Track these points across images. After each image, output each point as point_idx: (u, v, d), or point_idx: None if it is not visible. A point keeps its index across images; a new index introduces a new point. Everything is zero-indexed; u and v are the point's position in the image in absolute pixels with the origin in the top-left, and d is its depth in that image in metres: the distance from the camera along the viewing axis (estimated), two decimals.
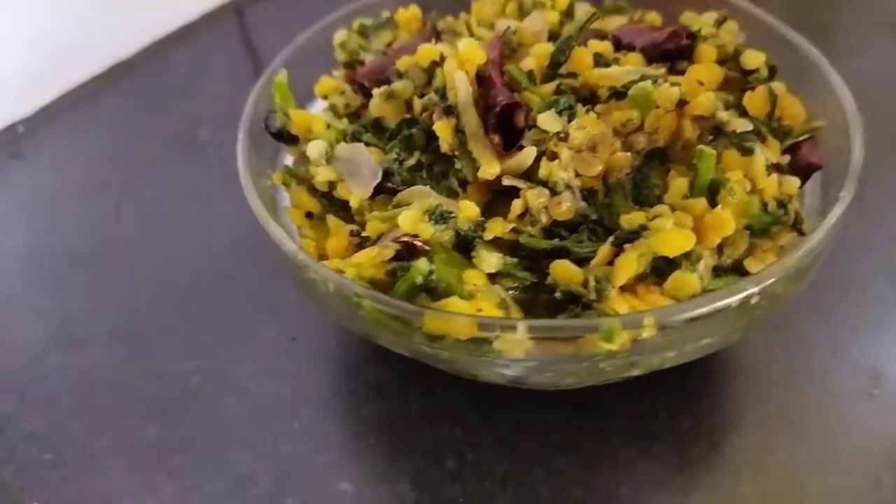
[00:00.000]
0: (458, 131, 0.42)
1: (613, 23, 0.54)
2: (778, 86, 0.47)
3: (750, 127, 0.41)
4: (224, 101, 0.79)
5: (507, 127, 0.41)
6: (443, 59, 0.45)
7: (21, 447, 0.50)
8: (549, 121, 0.40)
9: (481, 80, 0.44)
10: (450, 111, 0.42)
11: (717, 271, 0.39)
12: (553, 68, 0.45)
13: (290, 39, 0.60)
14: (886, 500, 0.43)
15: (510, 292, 0.38)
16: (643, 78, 0.41)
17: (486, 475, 0.46)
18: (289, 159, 0.51)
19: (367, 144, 0.46)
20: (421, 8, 0.58)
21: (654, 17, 0.56)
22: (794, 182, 0.43)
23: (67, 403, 0.52)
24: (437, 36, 0.56)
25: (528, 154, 0.40)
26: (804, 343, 0.51)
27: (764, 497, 0.44)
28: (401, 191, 0.42)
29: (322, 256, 0.43)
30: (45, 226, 0.67)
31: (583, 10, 0.55)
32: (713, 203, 0.38)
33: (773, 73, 0.49)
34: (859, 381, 0.49)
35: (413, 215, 0.37)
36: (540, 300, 0.39)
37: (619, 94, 0.42)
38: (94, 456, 0.49)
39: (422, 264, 0.36)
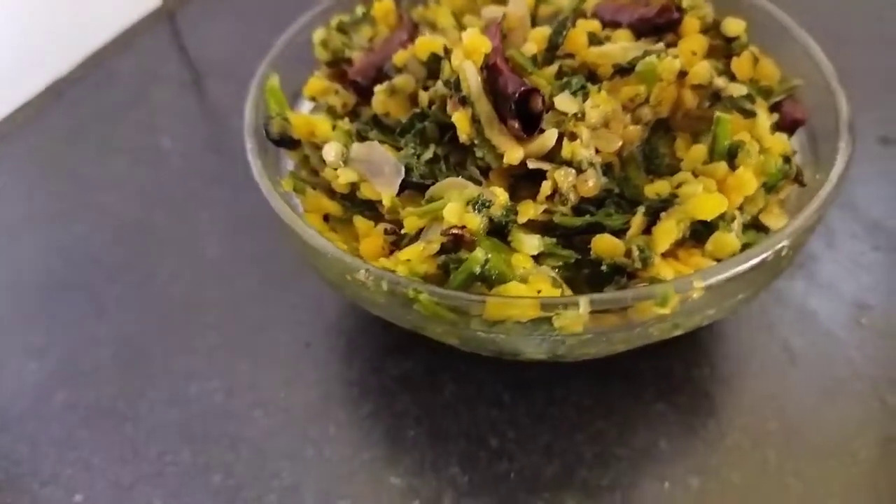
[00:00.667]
0: (474, 120, 0.43)
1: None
2: (751, 49, 0.50)
3: (745, 91, 0.44)
4: (176, 107, 0.78)
5: (524, 112, 0.42)
6: (447, 51, 0.46)
7: (45, 493, 0.48)
8: (566, 102, 0.41)
9: (487, 68, 0.45)
10: (465, 101, 0.43)
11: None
12: (551, 51, 0.46)
13: (224, 40, 0.59)
14: None
15: (555, 271, 0.40)
16: (646, 54, 0.43)
17: (530, 449, 0.48)
18: (289, 163, 0.51)
19: (373, 140, 0.47)
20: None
21: None
22: (784, 138, 0.46)
23: (85, 440, 0.51)
24: (415, 27, 0.56)
25: (550, 136, 0.42)
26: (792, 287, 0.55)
27: (786, 432, 0.48)
28: (427, 184, 0.43)
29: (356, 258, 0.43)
30: (20, 257, 0.63)
31: None
32: (732, 166, 0.40)
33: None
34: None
35: (458, 207, 0.38)
36: (581, 276, 0.40)
37: (623, 70, 0.44)
38: (126, 489, 0.48)
39: (479, 254, 0.37)
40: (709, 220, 0.38)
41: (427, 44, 0.47)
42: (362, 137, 0.47)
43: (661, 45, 0.45)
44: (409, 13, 0.58)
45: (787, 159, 0.42)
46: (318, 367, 0.54)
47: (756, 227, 0.42)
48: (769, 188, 0.42)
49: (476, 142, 0.43)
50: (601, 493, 0.45)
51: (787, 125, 0.48)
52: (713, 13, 0.49)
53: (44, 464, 0.49)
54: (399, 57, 0.48)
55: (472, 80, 0.43)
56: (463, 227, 0.38)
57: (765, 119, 0.42)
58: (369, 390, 0.52)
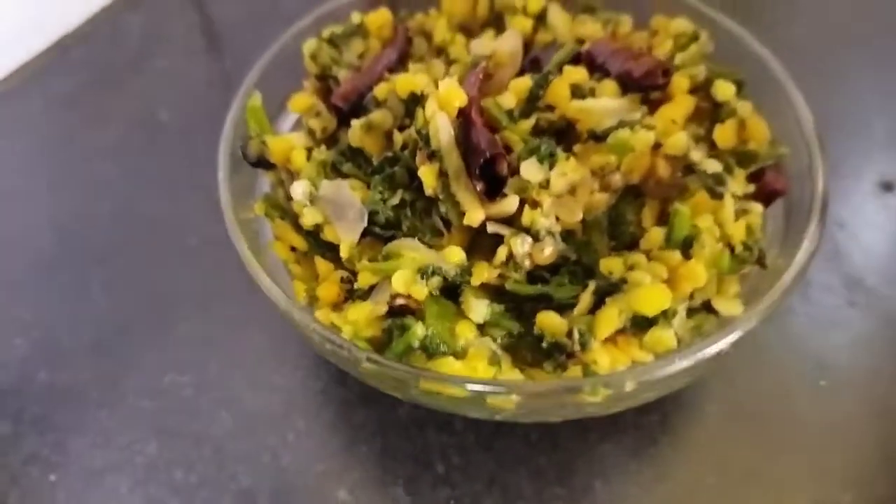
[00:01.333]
0: (441, 173, 0.43)
1: (586, 28, 0.54)
2: (744, 107, 0.49)
3: (720, 168, 0.43)
4: (180, 78, 0.78)
5: (490, 173, 0.42)
6: (423, 97, 0.45)
7: (23, 470, 0.52)
8: (531, 170, 0.41)
9: (461, 114, 0.44)
10: (433, 155, 0.43)
11: (688, 312, 0.42)
12: (531, 102, 0.46)
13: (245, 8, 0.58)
14: None
15: (499, 340, 0.41)
16: (621, 124, 0.43)
17: (473, 477, 0.50)
18: (266, 182, 0.52)
19: (347, 175, 0.47)
20: (390, 6, 0.57)
21: (626, 22, 0.56)
22: (757, 211, 0.46)
23: (63, 422, 0.54)
24: (408, 41, 0.55)
25: (511, 203, 0.42)
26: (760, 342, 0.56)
27: (723, 487, 0.50)
28: (388, 236, 0.44)
29: (313, 298, 0.44)
30: (9, 229, 0.65)
31: (557, 14, 0.55)
32: (686, 253, 0.40)
33: (739, 87, 0.51)
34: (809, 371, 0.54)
35: (406, 276, 0.39)
36: (525, 342, 0.42)
37: (597, 136, 0.44)
38: (97, 474, 0.52)
39: (418, 329, 0.38)
40: (649, 315, 0.38)
41: (407, 83, 0.46)
42: (336, 168, 0.48)
43: (637, 114, 0.44)
44: (406, 24, 0.57)
45: (748, 246, 0.42)
46: (285, 372, 0.56)
47: (707, 308, 0.43)
48: (724, 274, 0.42)
49: (441, 197, 0.43)
50: None
51: (764, 195, 0.47)
52: (706, 71, 0.48)
53: (24, 442, 0.53)
54: (380, 90, 0.48)
55: (444, 133, 0.43)
56: (409, 297, 0.39)
57: (730, 204, 0.42)
58: (331, 401, 0.55)
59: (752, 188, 0.47)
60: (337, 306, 0.43)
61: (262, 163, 0.49)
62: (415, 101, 0.46)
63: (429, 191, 0.43)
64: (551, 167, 0.42)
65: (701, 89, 0.48)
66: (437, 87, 0.44)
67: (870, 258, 0.60)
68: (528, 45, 0.55)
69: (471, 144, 0.43)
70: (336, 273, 0.44)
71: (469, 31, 0.58)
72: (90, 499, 0.51)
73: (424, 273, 0.40)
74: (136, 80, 0.76)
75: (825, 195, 0.45)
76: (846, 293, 0.58)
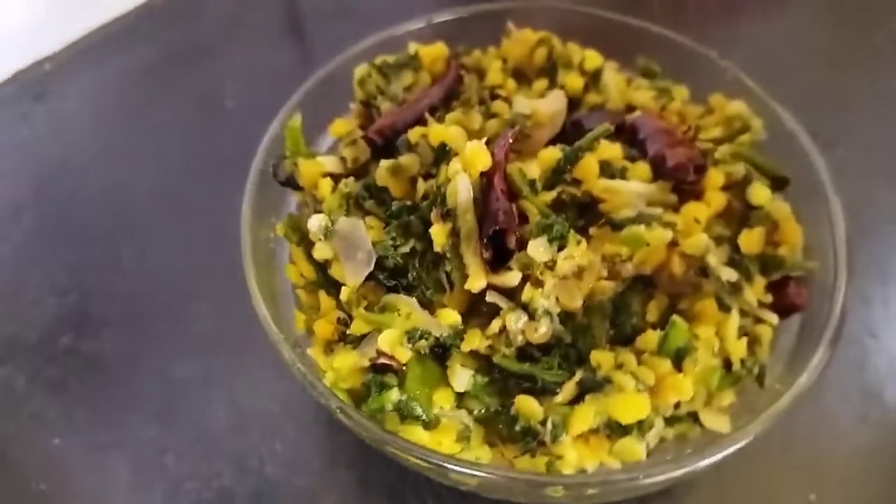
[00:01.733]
0: (454, 233, 0.43)
1: (638, 96, 0.53)
2: (781, 209, 0.47)
3: (735, 277, 0.42)
4: (253, 66, 0.80)
5: (499, 242, 0.42)
6: (451, 152, 0.45)
7: (29, 427, 0.56)
8: (538, 250, 0.41)
9: (484, 175, 0.44)
10: (448, 214, 0.43)
11: (671, 420, 0.41)
12: (557, 174, 0.45)
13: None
14: None
15: (475, 412, 0.41)
16: (639, 218, 0.42)
17: None
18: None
19: (367, 213, 0.48)
20: (448, 40, 0.57)
21: (682, 93, 0.54)
22: (771, 322, 0.44)
23: (76, 389, 0.57)
24: (459, 80, 0.55)
25: (513, 277, 0.42)
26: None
27: None
28: (391, 285, 0.44)
29: (311, 330, 0.46)
30: (60, 193, 0.69)
31: (611, 77, 0.54)
32: (678, 364, 0.39)
33: (783, 185, 0.49)
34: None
35: (393, 336, 0.40)
36: (502, 418, 0.42)
37: (614, 224, 0.43)
38: (99, 449, 0.55)
39: (393, 394, 0.39)
40: (623, 423, 0.38)
41: (439, 133, 0.46)
42: (358, 202, 0.48)
43: (658, 210, 0.43)
44: (461, 60, 0.57)
45: (746, 364, 0.41)
46: (284, 377, 0.58)
47: (694, 417, 0.42)
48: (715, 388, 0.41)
49: (448, 256, 0.43)
50: None
51: (783, 307, 0.45)
52: (745, 169, 0.46)
53: (34, 400, 0.57)
54: (413, 134, 0.48)
55: (462, 195, 0.43)
56: (392, 357, 0.39)
57: (735, 322, 0.40)
58: (323, 416, 0.56)
59: (769, 298, 0.45)
60: (330, 344, 0.44)
61: (291, 183, 0.51)
62: (444, 152, 0.46)
63: (437, 248, 0.43)
64: (560, 249, 0.41)
65: (737, 186, 0.46)
66: (467, 142, 0.44)
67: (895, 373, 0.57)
68: (576, 103, 0.54)
69: (487, 209, 0.43)
70: (335, 312, 0.44)
71: (524, 76, 0.57)
72: (85, 468, 0.54)
73: (412, 336, 0.40)
74: (210, 62, 0.79)
75: (841, 320, 0.43)
76: (861, 406, 0.56)
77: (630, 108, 0.53)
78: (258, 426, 0.55)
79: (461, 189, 0.43)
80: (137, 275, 0.64)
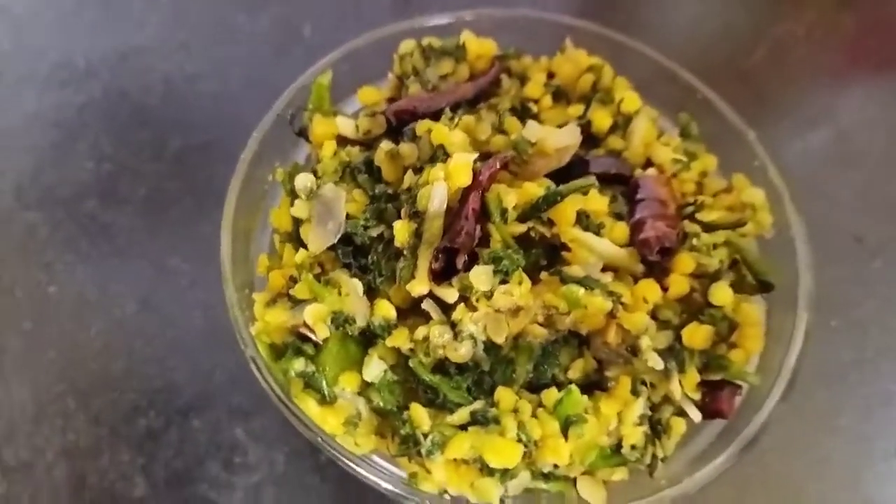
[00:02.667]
0: (417, 234, 0.45)
1: (660, 154, 0.52)
2: (750, 313, 0.46)
3: (660, 367, 0.42)
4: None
5: (451, 258, 0.44)
6: (445, 155, 0.46)
7: (35, 271, 0.62)
8: (479, 278, 0.42)
9: (464, 189, 0.45)
10: (416, 215, 0.45)
11: (549, 477, 0.42)
12: (534, 210, 0.46)
13: None
14: None
15: (373, 403, 0.44)
16: (584, 281, 0.42)
17: None
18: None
19: (358, 186, 0.50)
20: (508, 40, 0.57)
21: (709, 163, 0.53)
22: (695, 417, 0.45)
23: (84, 250, 0.64)
24: (497, 83, 0.56)
25: (451, 294, 0.43)
26: None
27: None
28: (346, 262, 0.47)
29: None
30: (138, 70, 0.74)
31: (641, 125, 0.53)
32: (565, 429, 0.40)
33: (766, 289, 0.48)
34: None
35: (318, 313, 0.42)
36: (395, 416, 0.44)
37: (562, 277, 0.43)
38: (83, 304, 0.61)
39: (297, 363, 0.42)
40: (490, 465, 0.39)
41: (441, 134, 0.47)
42: (354, 173, 0.50)
43: (606, 277, 0.43)
44: (507, 62, 0.57)
45: (637, 450, 0.42)
46: None
47: (573, 480, 0.43)
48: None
49: (405, 253, 0.45)
50: None
51: (708, 409, 0.45)
52: (719, 264, 0.46)
53: (48, 249, 0.63)
54: (420, 126, 0.49)
55: (435, 201, 0.44)
56: (311, 331, 0.42)
57: (637, 410, 0.41)
58: None
59: (698, 395, 0.45)
60: (276, 298, 0.47)
61: (304, 135, 0.53)
62: (440, 153, 0.48)
63: (397, 243, 0.45)
64: (502, 283, 0.43)
65: (707, 278, 0.46)
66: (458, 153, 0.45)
67: None
68: (597, 140, 0.54)
69: (453, 224, 0.45)
70: (292, 269, 0.47)
71: (564, 95, 0.57)
72: (68, 318, 0.60)
73: (336, 318, 0.43)
74: None
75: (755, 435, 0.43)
76: None
77: (648, 163, 0.53)
78: (220, 341, 0.59)
79: (434, 196, 0.44)
80: (172, 167, 0.69)
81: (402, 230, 0.45)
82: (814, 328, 0.61)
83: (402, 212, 0.45)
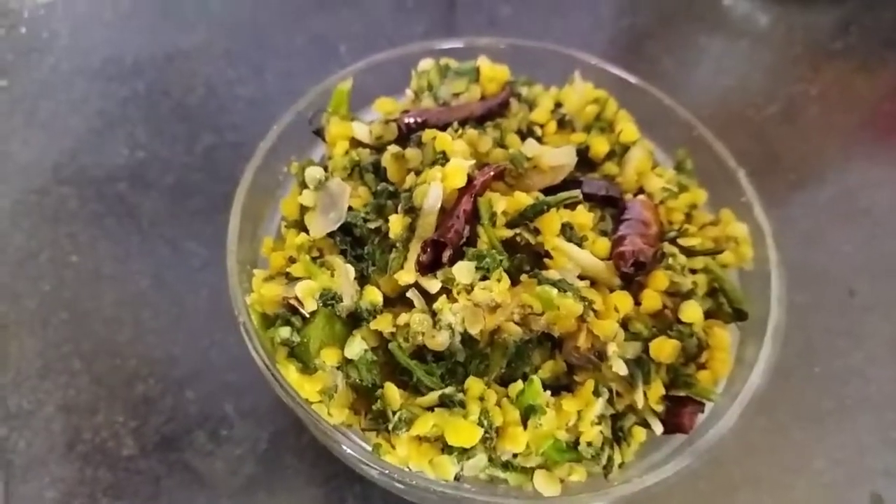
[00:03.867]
0: (411, 228, 0.48)
1: (651, 183, 0.55)
2: (721, 337, 0.48)
3: (624, 372, 0.44)
4: (383, 26, 0.87)
5: (438, 252, 0.47)
6: (445, 157, 0.50)
7: (61, 241, 0.67)
8: (461, 272, 0.45)
9: (459, 192, 0.49)
10: (411, 210, 0.48)
11: (508, 466, 0.44)
12: (522, 217, 0.49)
13: None
14: None
15: (351, 379, 0.46)
16: (558, 283, 0.45)
17: None
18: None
19: (364, 184, 0.53)
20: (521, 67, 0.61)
21: (698, 197, 0.56)
22: (655, 428, 0.46)
23: (109, 226, 0.68)
24: (505, 106, 0.59)
25: (433, 285, 0.46)
26: None
27: None
28: (343, 249, 0.50)
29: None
30: (175, 69, 0.80)
31: (636, 156, 0.56)
32: (525, 418, 0.43)
33: (740, 317, 0.50)
34: None
35: (309, 288, 0.45)
36: (370, 393, 0.46)
37: (539, 280, 0.46)
38: (99, 278, 0.65)
39: (283, 331, 0.45)
40: (450, 443, 0.42)
41: (444, 142, 0.51)
42: (361, 172, 0.54)
43: (580, 283, 0.46)
44: (517, 88, 0.61)
45: (593, 448, 0.43)
46: None
47: (531, 471, 0.45)
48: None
49: (398, 245, 0.48)
50: None
51: (669, 423, 0.47)
52: (691, 285, 0.48)
53: (74, 221, 0.68)
54: (426, 134, 0.53)
55: (430, 199, 0.48)
56: (300, 303, 0.45)
57: (595, 410, 0.43)
58: None
59: (661, 408, 0.47)
60: (275, 276, 0.50)
61: (320, 134, 0.57)
62: (441, 159, 0.51)
63: (392, 235, 0.48)
64: (482, 278, 0.45)
65: (681, 297, 0.48)
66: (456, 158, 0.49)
67: None
68: (593, 165, 0.57)
69: (445, 221, 0.48)
70: (293, 251, 0.51)
71: (570, 125, 0.60)
72: (85, 288, 0.64)
73: (323, 295, 0.46)
74: (343, 8, 0.87)
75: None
76: None
77: (640, 191, 0.55)
78: (222, 316, 0.62)
79: (431, 194, 0.48)
80: (201, 161, 0.73)
81: (396, 223, 0.48)
82: (796, 371, 0.63)
83: (399, 207, 0.49)
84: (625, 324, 0.47)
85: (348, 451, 0.43)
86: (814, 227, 0.76)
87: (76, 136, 0.74)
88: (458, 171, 0.48)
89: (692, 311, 0.47)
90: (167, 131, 0.75)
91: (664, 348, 0.46)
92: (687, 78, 0.87)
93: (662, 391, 0.47)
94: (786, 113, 0.84)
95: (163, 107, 0.78)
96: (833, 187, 0.80)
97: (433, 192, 0.48)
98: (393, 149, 0.53)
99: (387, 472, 0.42)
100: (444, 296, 0.46)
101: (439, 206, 0.48)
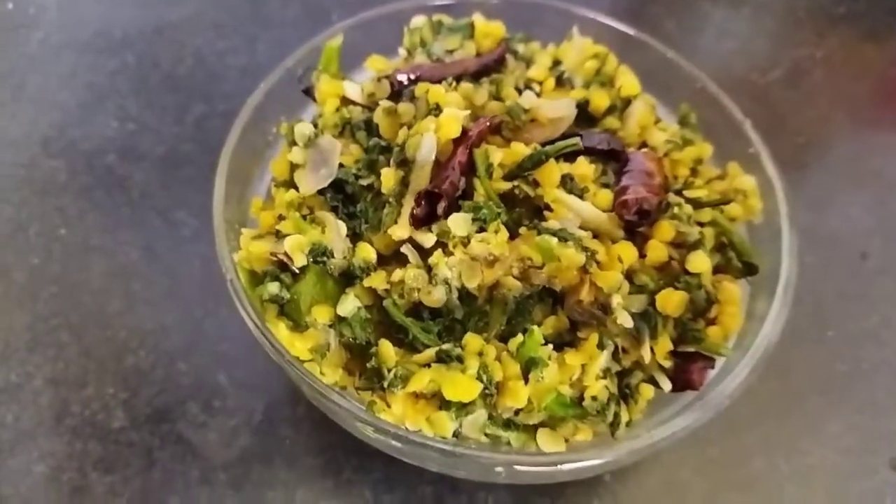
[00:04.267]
0: (404, 182, 0.46)
1: (654, 137, 0.53)
2: (731, 290, 0.46)
3: (630, 325, 0.42)
4: None
5: (433, 206, 0.45)
6: (439, 109, 0.48)
7: (50, 213, 0.65)
8: (457, 224, 0.43)
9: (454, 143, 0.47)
10: (404, 163, 0.46)
11: (511, 425, 0.42)
12: (521, 169, 0.47)
13: None
14: None
15: (344, 337, 0.44)
16: (559, 232, 0.43)
17: None
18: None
19: (356, 141, 0.51)
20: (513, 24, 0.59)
21: (704, 150, 0.54)
22: (663, 386, 0.44)
23: (98, 199, 0.66)
24: (501, 62, 0.57)
25: (429, 239, 0.44)
26: None
27: None
28: (334, 205, 0.48)
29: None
30: (166, 41, 0.78)
31: (638, 110, 0.54)
32: (526, 372, 0.41)
33: (751, 271, 0.48)
34: None
35: (298, 243, 0.44)
36: (365, 350, 0.45)
37: (538, 230, 0.44)
38: (87, 250, 0.63)
39: (271, 287, 0.43)
40: (447, 398, 0.40)
41: (437, 94, 0.49)
42: (353, 130, 0.52)
43: (581, 233, 0.44)
44: (514, 45, 0.59)
45: (598, 402, 0.41)
46: None
47: (535, 428, 0.43)
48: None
49: (391, 200, 0.46)
50: None
51: (678, 380, 0.45)
52: (699, 235, 0.46)
53: (64, 194, 0.66)
54: (419, 88, 0.51)
55: (424, 150, 0.46)
56: (288, 258, 0.43)
57: (600, 363, 0.41)
58: None
59: (668, 364, 0.45)
60: (268, 234, 0.48)
61: (310, 93, 0.55)
62: (436, 111, 0.49)
63: (384, 190, 0.46)
64: (479, 231, 0.43)
65: (687, 248, 0.46)
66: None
67: None
68: (593, 119, 0.55)
69: (440, 173, 0.46)
70: (279, 209, 0.49)
71: (569, 82, 0.58)
72: (72, 260, 0.62)
73: (312, 250, 0.44)
74: None
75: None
76: None
77: (643, 145, 0.53)
78: (212, 291, 0.61)
79: (424, 145, 0.46)
80: (192, 130, 0.72)
81: (389, 177, 0.46)
82: (808, 335, 0.61)
83: (391, 160, 0.47)
84: (630, 277, 0.45)
85: (343, 406, 0.41)
86: (823, 190, 0.73)
87: (65, 109, 0.73)
88: (452, 120, 0.46)
89: (699, 261, 0.45)
90: (157, 103, 0.74)
91: (671, 300, 0.44)
92: (690, 42, 0.84)
93: (670, 346, 0.45)
94: (790, 77, 0.82)
95: (153, 78, 0.76)
96: (841, 151, 0.77)
97: (426, 142, 0.46)
98: (385, 104, 0.51)
99: (383, 428, 0.40)
100: (440, 250, 0.44)
101: (433, 158, 0.46)
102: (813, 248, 0.59)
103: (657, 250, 0.45)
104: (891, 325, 0.64)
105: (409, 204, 0.46)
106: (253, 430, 0.55)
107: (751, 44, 0.85)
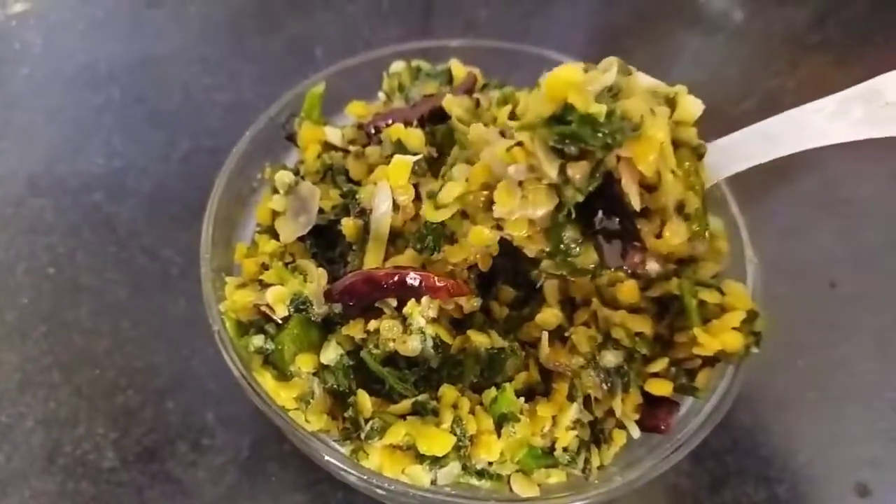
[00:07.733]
0: (366, 230, 0.48)
1: None
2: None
3: (614, 364, 0.44)
4: (359, 31, 0.86)
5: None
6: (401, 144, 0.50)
7: (37, 252, 0.66)
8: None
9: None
10: (363, 214, 0.48)
11: (483, 474, 0.44)
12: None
13: None
14: None
15: (328, 385, 0.46)
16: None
17: None
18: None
19: (336, 187, 0.53)
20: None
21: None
22: (631, 432, 0.46)
23: (85, 237, 0.68)
24: (470, 93, 0.59)
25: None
26: None
27: None
28: (314, 252, 0.50)
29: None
30: (151, 79, 0.80)
31: None
32: (499, 427, 0.42)
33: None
34: None
35: (279, 295, 0.45)
36: (344, 399, 0.46)
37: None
38: (76, 290, 0.65)
39: (256, 340, 0.44)
40: (422, 451, 0.41)
41: (397, 132, 0.51)
42: (334, 176, 0.54)
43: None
44: (487, 92, 0.60)
45: (569, 452, 0.43)
46: None
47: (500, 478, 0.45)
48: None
49: (354, 248, 0.48)
50: None
51: (644, 424, 0.47)
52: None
53: (52, 233, 0.67)
54: (392, 131, 0.52)
55: (379, 200, 0.47)
56: (271, 310, 0.45)
57: (571, 415, 0.43)
58: None
59: (638, 401, 0.46)
60: (251, 282, 0.50)
61: (293, 139, 0.57)
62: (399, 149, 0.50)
63: (349, 239, 0.48)
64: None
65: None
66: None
67: None
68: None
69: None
70: (266, 257, 0.50)
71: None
72: (61, 297, 0.64)
73: (294, 301, 0.45)
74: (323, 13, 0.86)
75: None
76: None
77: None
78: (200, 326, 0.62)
79: (381, 193, 0.47)
80: (179, 167, 0.73)
81: (349, 227, 0.48)
82: (779, 362, 0.63)
83: (351, 209, 0.48)
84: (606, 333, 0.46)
85: (327, 458, 0.42)
86: (793, 219, 0.76)
87: (51, 146, 0.74)
88: (399, 170, 0.47)
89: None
90: (143, 139, 0.75)
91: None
92: (664, 73, 0.85)
93: (640, 400, 0.46)
94: (763, 107, 0.84)
95: (138, 114, 0.77)
96: (811, 180, 0.79)
97: (382, 191, 0.47)
98: (353, 149, 0.53)
99: (366, 478, 0.42)
100: (414, 300, 0.46)
101: (389, 205, 0.47)
102: (782, 278, 0.61)
103: (627, 289, 0.47)
104: (860, 353, 0.66)
105: (371, 251, 0.47)
106: (240, 468, 0.57)
107: (724, 74, 0.88)
